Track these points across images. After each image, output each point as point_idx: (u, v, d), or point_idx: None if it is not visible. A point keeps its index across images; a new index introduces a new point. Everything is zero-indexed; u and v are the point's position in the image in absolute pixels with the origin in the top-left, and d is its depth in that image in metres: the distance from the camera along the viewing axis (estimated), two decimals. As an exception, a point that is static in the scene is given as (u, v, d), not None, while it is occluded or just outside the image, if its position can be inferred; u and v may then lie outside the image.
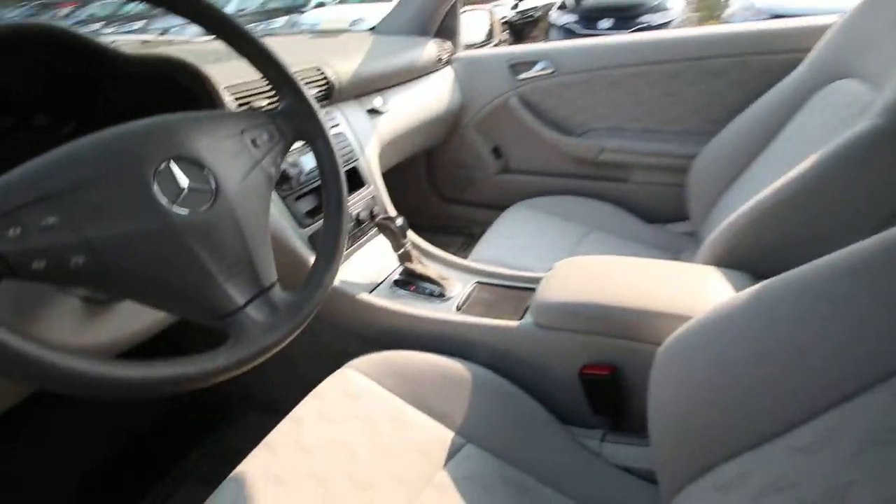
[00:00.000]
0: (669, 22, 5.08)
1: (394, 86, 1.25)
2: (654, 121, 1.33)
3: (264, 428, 0.67)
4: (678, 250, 1.12)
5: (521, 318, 0.77)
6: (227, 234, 0.47)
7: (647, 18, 5.09)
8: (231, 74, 0.78)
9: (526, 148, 1.52)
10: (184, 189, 0.45)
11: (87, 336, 0.61)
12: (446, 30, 1.49)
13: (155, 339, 0.65)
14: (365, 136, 1.08)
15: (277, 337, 0.48)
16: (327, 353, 0.97)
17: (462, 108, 1.51)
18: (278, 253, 0.82)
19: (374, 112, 1.15)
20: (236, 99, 0.78)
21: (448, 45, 1.47)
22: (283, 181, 0.85)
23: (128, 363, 0.38)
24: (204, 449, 1.06)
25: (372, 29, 1.51)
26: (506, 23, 5.83)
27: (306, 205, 0.89)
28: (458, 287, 0.90)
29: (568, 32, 5.25)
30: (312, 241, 0.86)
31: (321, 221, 0.75)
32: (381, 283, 0.92)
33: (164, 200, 0.43)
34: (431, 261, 0.99)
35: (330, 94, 1.01)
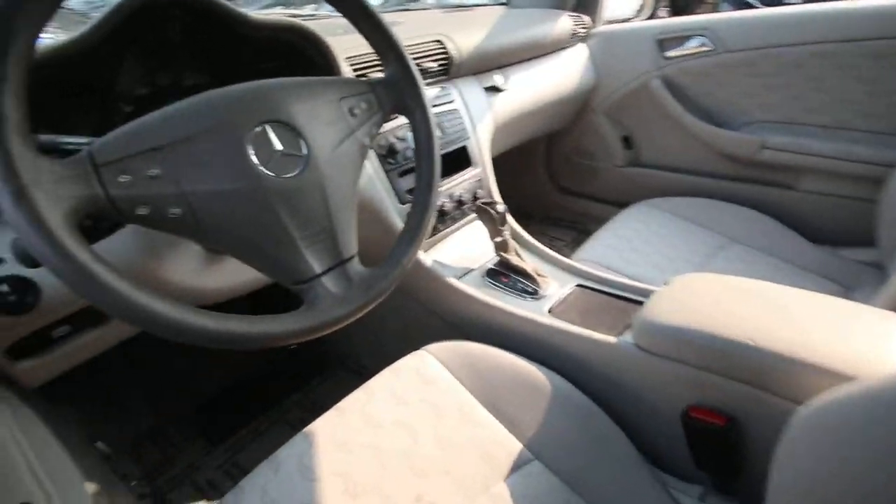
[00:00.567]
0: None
1: (518, 62, 1.17)
2: (842, 115, 1.06)
3: (349, 388, 0.69)
4: (851, 285, 0.89)
5: (621, 334, 0.67)
6: (312, 201, 0.47)
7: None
8: (353, 46, 0.79)
9: (663, 138, 1.33)
10: (277, 153, 0.46)
11: (202, 280, 0.67)
12: (588, 2, 1.35)
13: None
14: (479, 114, 1.03)
15: (347, 311, 0.47)
16: (411, 330, 0.97)
17: (593, 90, 1.37)
18: (375, 224, 0.84)
19: (493, 90, 1.09)
20: (353, 69, 0.79)
21: (585, 18, 1.33)
22: (389, 154, 0.85)
23: (205, 313, 0.39)
24: (296, 398, 1.15)
25: (506, 3, 1.44)
26: (666, -7, 5.17)
27: (410, 182, 0.88)
28: (555, 287, 0.82)
29: (745, 4, 4.46)
30: None
31: None
32: (474, 270, 0.88)
33: (256, 162, 0.44)
34: (530, 254, 0.92)
35: (448, 69, 0.97)
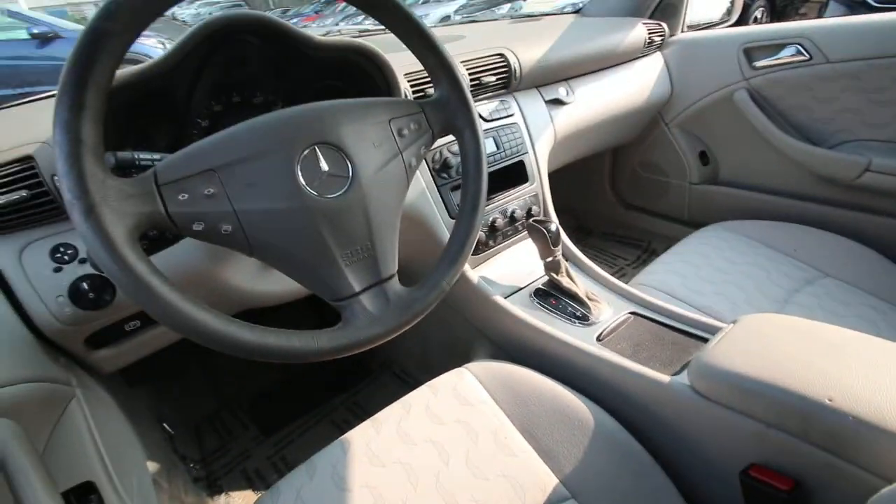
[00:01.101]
0: None
1: (585, 74, 1.12)
2: None
3: (393, 394, 0.70)
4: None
5: (676, 373, 0.62)
6: (354, 221, 0.48)
7: None
8: (413, 62, 0.79)
9: (746, 155, 1.22)
10: (323, 173, 0.47)
11: (256, 284, 0.71)
12: (668, 7, 1.27)
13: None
14: (539, 128, 1.00)
15: (381, 331, 0.48)
16: (456, 343, 0.96)
17: (668, 102, 1.28)
18: (426, 238, 0.84)
19: (556, 102, 1.05)
20: (411, 85, 0.79)
21: (662, 26, 1.25)
22: (443, 168, 0.85)
23: (246, 326, 0.41)
24: (343, 399, 1.19)
25: (578, 10, 1.39)
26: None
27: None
28: (608, 313, 0.77)
29: (858, 7, 3.95)
30: None
31: None
32: (522, 289, 0.85)
33: (303, 182, 0.46)
34: (584, 276, 0.88)
35: (508, 83, 0.95)
